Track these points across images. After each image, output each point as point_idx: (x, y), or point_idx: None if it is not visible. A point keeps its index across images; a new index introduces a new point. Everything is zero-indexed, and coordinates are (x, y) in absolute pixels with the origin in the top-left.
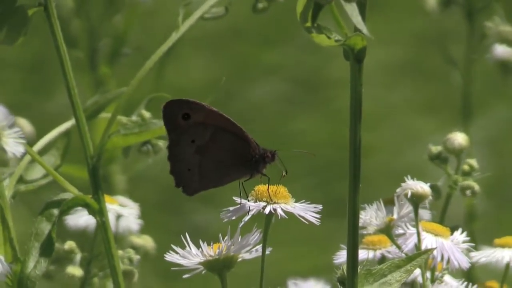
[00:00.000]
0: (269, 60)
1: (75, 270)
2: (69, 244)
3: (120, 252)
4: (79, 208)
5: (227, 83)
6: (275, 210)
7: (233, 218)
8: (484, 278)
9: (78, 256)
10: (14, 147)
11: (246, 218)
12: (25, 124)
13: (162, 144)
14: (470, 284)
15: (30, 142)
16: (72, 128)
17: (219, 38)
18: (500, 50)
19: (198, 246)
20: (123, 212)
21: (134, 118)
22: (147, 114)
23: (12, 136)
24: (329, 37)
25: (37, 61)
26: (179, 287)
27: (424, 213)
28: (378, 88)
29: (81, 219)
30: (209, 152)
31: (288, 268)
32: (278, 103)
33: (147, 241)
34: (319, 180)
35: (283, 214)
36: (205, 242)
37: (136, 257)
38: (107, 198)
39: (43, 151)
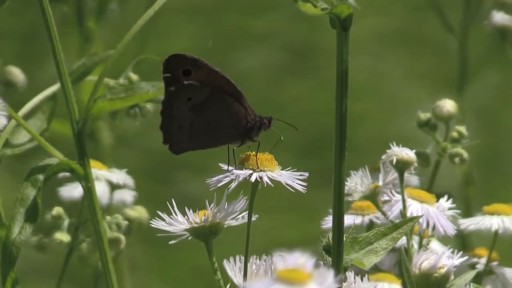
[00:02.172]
0: (259, 28)
1: (62, 236)
2: (57, 210)
3: (108, 218)
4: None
5: (217, 51)
6: (261, 178)
7: (219, 185)
8: (476, 245)
9: (66, 222)
10: None
11: (233, 185)
12: (17, 72)
13: (150, 107)
14: (456, 250)
15: (22, 91)
16: (59, 91)
17: (209, 8)
18: (498, 16)
19: (184, 214)
20: (112, 178)
21: (121, 80)
22: (134, 77)
23: None
24: (315, 5)
25: (30, 32)
26: (166, 256)
27: (413, 179)
28: (371, 57)
29: (75, 190)
30: (203, 112)
31: (276, 236)
32: (269, 71)
33: (141, 213)
34: (311, 148)
35: (269, 182)
36: (191, 210)
37: (124, 223)
38: (97, 164)
39: (30, 115)
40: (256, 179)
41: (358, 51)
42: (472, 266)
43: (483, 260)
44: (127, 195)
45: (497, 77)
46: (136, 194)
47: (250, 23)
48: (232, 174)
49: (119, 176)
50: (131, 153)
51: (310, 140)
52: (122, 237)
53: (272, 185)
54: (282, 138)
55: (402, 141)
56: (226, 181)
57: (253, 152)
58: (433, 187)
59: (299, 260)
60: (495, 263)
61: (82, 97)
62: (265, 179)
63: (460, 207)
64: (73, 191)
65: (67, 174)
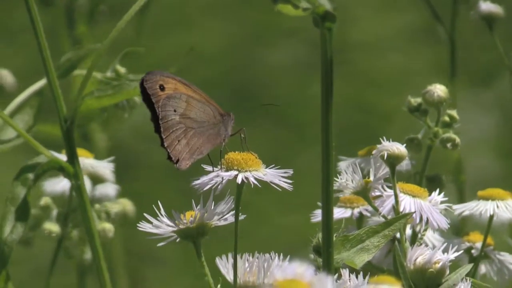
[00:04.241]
0: (288, 23)
1: (52, 226)
2: (45, 201)
3: (97, 206)
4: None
5: (244, 47)
6: (247, 178)
7: (205, 189)
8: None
9: (55, 212)
10: None
11: (219, 187)
12: (6, 75)
13: (138, 99)
14: (451, 245)
15: (11, 93)
16: (46, 86)
17: (235, 3)
18: (484, 6)
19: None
20: (99, 167)
21: (109, 74)
22: (122, 70)
23: None
24: (297, 7)
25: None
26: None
27: (404, 163)
28: (398, 54)
29: (58, 185)
30: (189, 120)
31: (304, 233)
32: (297, 66)
33: (125, 206)
34: (339, 143)
35: (255, 182)
36: (177, 211)
37: (113, 211)
38: (83, 152)
39: (17, 111)
40: (242, 180)
41: (386, 48)
42: (468, 251)
43: (478, 245)
44: (110, 189)
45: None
46: (120, 188)
47: (276, 19)
48: (218, 176)
49: (105, 164)
50: (159, 150)
51: (338, 135)
52: (111, 226)
53: (259, 185)
54: (243, 135)
55: None
56: (212, 184)
57: (236, 152)
58: (425, 173)
59: (298, 269)
60: (490, 247)
61: (71, 90)
62: (252, 179)
63: (452, 192)
64: (56, 185)
65: None
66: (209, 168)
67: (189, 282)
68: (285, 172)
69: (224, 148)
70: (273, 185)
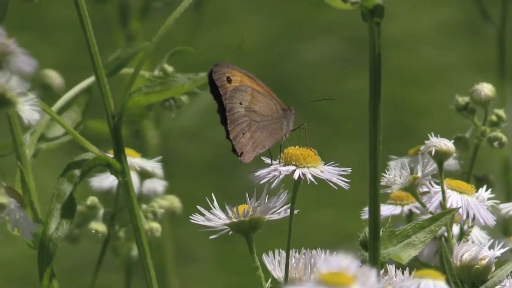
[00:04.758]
0: (325, 19)
1: (98, 226)
2: (92, 200)
3: (144, 206)
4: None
5: (282, 41)
6: (304, 174)
7: (262, 182)
8: None
9: (101, 212)
10: (29, 114)
11: (275, 182)
12: (54, 76)
13: (185, 98)
14: (497, 242)
15: (59, 94)
16: (94, 83)
17: None
18: None
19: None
20: (147, 166)
21: (156, 73)
22: (169, 69)
23: (28, 103)
24: (345, 0)
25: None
26: (228, 248)
27: (452, 163)
28: (433, 48)
29: (105, 180)
30: (254, 113)
31: (339, 229)
32: (334, 62)
33: (173, 202)
34: None
35: (312, 179)
36: (229, 205)
37: (160, 211)
38: (131, 152)
39: (65, 108)
40: (299, 176)
41: (421, 44)
42: None
43: None
44: (158, 185)
45: None
46: (167, 184)
47: (315, 14)
48: (275, 170)
49: (153, 164)
50: (196, 147)
51: None
52: (158, 225)
53: (315, 182)
54: (305, 125)
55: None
56: (269, 178)
57: (296, 147)
58: (472, 172)
59: (342, 263)
60: None
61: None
62: (309, 176)
63: (500, 191)
64: (104, 181)
65: None
66: (268, 161)
67: (224, 279)
68: (343, 171)
69: (284, 143)
70: (330, 183)
